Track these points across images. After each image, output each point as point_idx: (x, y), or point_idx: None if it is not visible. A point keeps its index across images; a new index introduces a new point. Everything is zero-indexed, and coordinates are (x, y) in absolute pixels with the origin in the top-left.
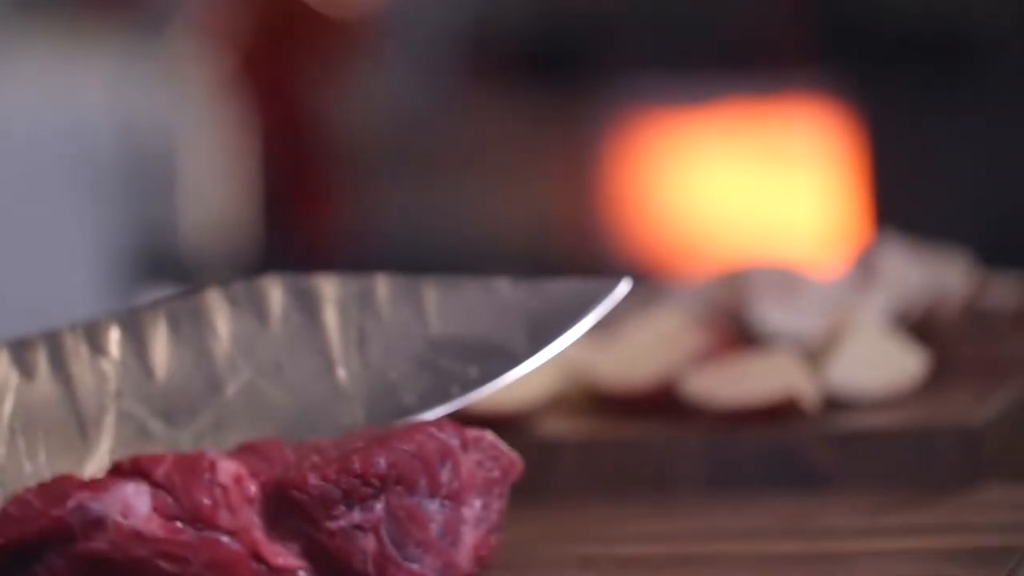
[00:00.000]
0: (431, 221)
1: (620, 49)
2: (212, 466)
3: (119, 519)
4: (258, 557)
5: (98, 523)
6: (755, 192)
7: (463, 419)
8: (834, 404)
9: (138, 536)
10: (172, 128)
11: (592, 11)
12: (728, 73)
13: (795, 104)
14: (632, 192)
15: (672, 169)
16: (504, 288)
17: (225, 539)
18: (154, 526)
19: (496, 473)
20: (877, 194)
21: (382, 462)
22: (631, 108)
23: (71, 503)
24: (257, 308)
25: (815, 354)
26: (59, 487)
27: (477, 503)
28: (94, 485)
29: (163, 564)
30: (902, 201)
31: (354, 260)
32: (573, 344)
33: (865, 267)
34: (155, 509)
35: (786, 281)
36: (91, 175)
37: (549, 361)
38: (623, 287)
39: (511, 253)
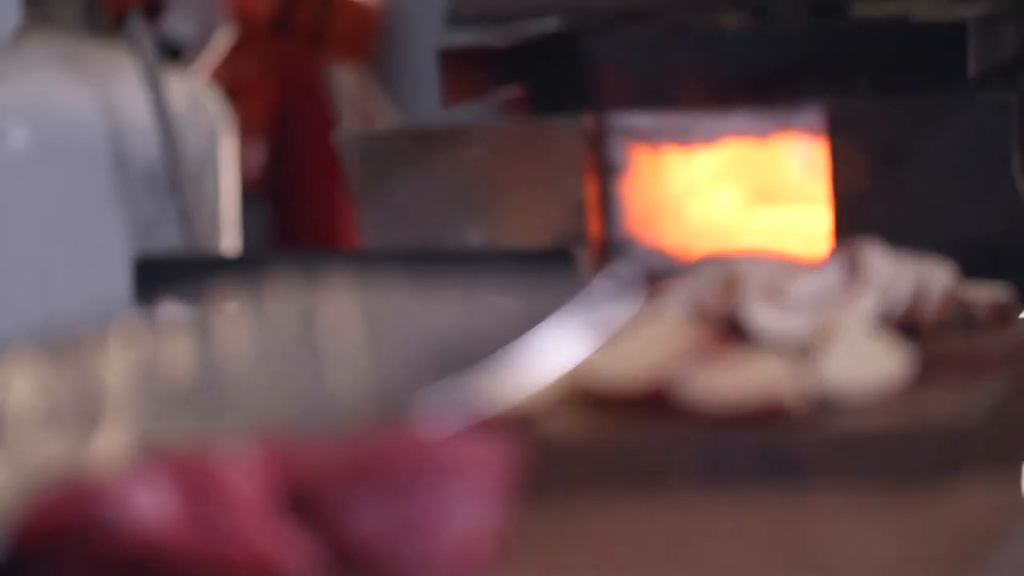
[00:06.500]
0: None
1: (616, 90)
2: (220, 467)
3: (130, 521)
4: (265, 556)
5: (109, 525)
6: (750, 227)
7: (464, 419)
8: (822, 403)
9: (148, 537)
10: (179, 132)
11: (593, 52)
12: (723, 113)
13: (788, 143)
14: (633, 223)
15: (670, 203)
16: (504, 291)
17: (233, 538)
18: (164, 527)
19: (497, 472)
20: (863, 228)
21: (384, 462)
22: (629, 145)
23: (83, 505)
24: (263, 311)
25: (804, 354)
26: (71, 489)
27: (478, 502)
28: (105, 487)
29: (172, 564)
30: (889, 235)
31: (357, 265)
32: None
33: (851, 268)
34: (165, 510)
35: (775, 279)
36: (100, 181)
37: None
38: (619, 290)
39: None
